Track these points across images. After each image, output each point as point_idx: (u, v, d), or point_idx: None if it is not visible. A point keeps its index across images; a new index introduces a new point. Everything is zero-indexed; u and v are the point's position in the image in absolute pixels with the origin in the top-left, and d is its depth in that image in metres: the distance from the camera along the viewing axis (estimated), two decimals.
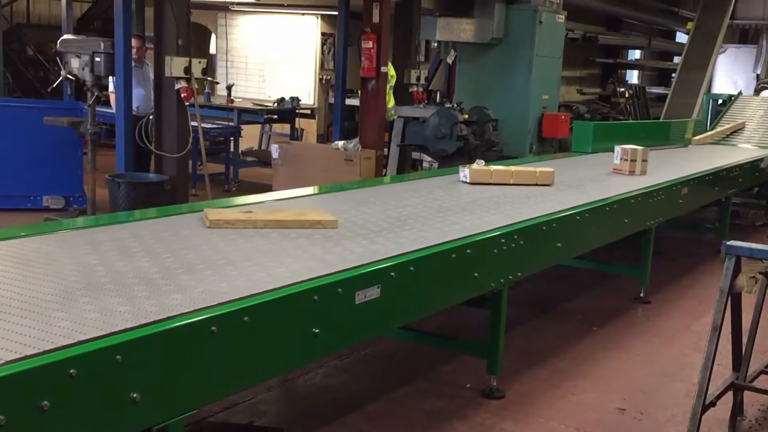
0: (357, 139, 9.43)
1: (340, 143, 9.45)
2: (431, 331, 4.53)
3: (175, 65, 6.77)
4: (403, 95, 10.31)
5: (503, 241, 4.01)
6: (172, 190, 6.91)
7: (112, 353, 2.19)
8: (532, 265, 4.43)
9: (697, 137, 10.00)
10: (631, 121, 12.70)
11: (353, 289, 3.05)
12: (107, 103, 8.11)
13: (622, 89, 14.66)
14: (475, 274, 3.83)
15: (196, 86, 7.03)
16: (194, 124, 9.22)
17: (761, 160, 8.72)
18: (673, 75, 18.55)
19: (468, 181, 5.43)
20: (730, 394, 3.98)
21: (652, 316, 5.86)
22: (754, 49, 18.29)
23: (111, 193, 6.62)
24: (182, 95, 6.87)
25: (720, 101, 12.24)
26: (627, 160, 6.37)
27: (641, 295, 6.20)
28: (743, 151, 9.38)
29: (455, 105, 9.53)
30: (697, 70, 14.65)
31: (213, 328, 2.47)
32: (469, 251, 3.74)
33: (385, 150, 10.33)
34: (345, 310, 3.02)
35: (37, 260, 3.04)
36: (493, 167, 5.59)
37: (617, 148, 6.50)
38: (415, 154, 10.86)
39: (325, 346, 2.97)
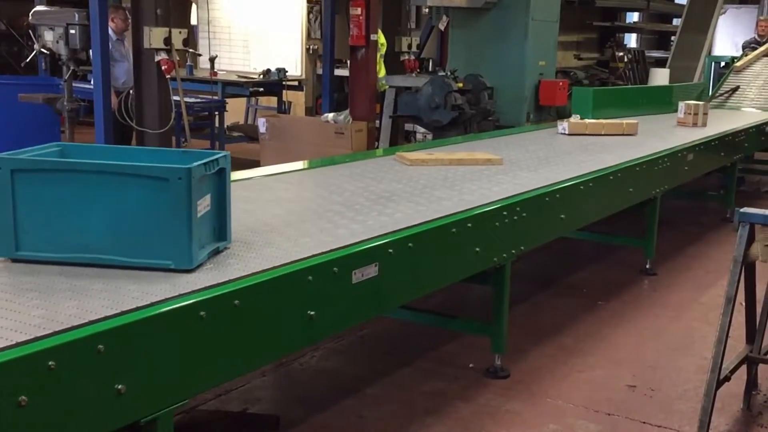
0: (347, 111, 9.29)
1: (330, 116, 9.31)
2: (431, 310, 4.44)
3: (154, 36, 6.61)
4: (394, 64, 10.16)
5: (505, 213, 3.92)
6: None
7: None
8: (535, 238, 4.34)
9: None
10: (632, 86, 12.56)
11: (350, 268, 2.95)
12: (85, 78, 7.94)
13: (621, 53, 14.48)
14: (477, 249, 3.74)
15: (177, 58, 6.87)
16: (177, 98, 9.06)
17: (767, 123, 8.64)
18: (673, 38, 18.39)
19: (567, 132, 6.56)
20: (743, 368, 3.91)
21: (658, 288, 5.80)
22: (755, 9, 18.13)
23: None
24: (162, 68, 6.71)
25: (723, 64, 12.16)
26: (690, 113, 7.61)
27: (647, 266, 6.13)
28: (747, 115, 9.29)
29: (449, 73, 9.39)
30: (698, 32, 14.50)
31: (202, 313, 2.37)
32: (470, 225, 3.64)
33: (377, 122, 10.21)
34: (341, 291, 2.93)
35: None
36: (587, 120, 6.86)
37: (681, 104, 7.80)
38: (409, 126, 10.73)
39: (322, 328, 2.88)
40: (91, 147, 3.05)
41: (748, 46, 12.74)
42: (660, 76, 12.86)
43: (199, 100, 9.93)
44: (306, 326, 2.76)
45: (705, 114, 7.67)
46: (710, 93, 10.86)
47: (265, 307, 2.61)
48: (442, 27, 11.17)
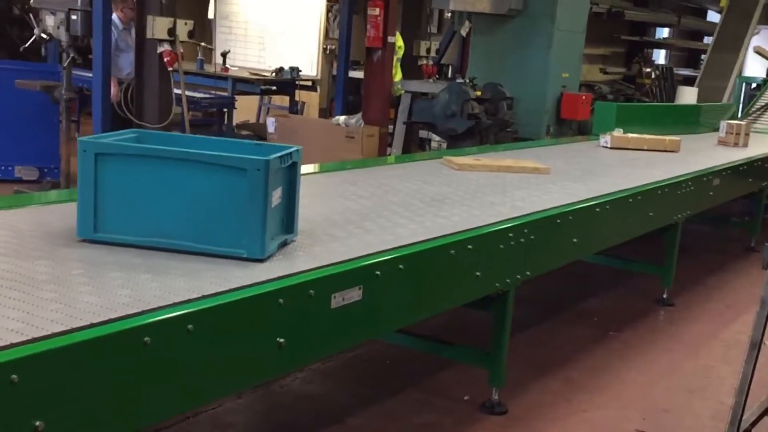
0: (359, 115, 9.00)
1: (342, 118, 9.02)
2: (427, 334, 4.13)
3: (158, 26, 6.36)
4: (411, 69, 9.87)
5: (511, 235, 3.60)
6: None
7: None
8: (543, 263, 4.02)
9: None
10: (657, 103, 12.20)
11: (328, 291, 2.64)
12: (89, 66, 7.69)
13: (649, 69, 14.13)
14: (477, 273, 3.42)
15: (182, 50, 6.61)
16: (178, 91, 8.80)
17: None
18: (703, 56, 17.99)
19: (609, 146, 6.55)
20: (766, 419, 3.57)
21: (675, 320, 5.45)
22: None
23: None
24: (165, 60, 6.45)
25: (754, 85, 11.76)
26: (732, 133, 7.65)
27: (664, 296, 5.78)
28: (723, 150, 8.86)
29: (467, 81, 9.08)
30: (730, 51, 14.09)
31: (146, 339, 2.07)
32: (470, 247, 3.32)
33: (390, 127, 9.93)
34: (317, 316, 2.62)
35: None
36: (630, 135, 6.76)
37: (722, 123, 7.87)
38: (423, 133, 10.45)
39: (292, 358, 2.57)
40: (167, 135, 3.12)
41: None
42: (688, 95, 12.48)
43: (207, 95, 9.66)
44: (274, 355, 2.46)
45: (747, 134, 7.71)
46: (739, 114, 10.48)
47: (224, 332, 2.31)
48: (464, 33, 10.88)
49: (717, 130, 9.35)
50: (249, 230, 2.54)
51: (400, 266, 2.94)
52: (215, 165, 2.52)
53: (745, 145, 7.62)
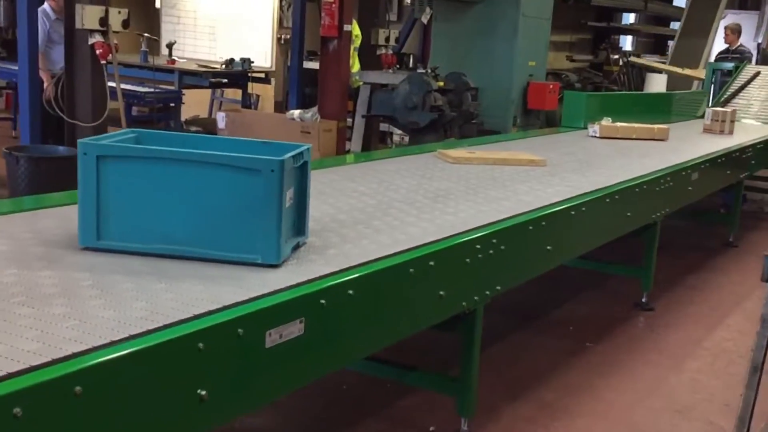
0: (315, 109, 8.57)
1: (296, 113, 8.59)
2: (387, 358, 3.71)
3: (88, 15, 5.86)
4: (370, 59, 9.44)
5: (478, 247, 3.20)
6: None
7: None
8: (514, 275, 3.63)
9: None
10: (628, 92, 11.92)
11: (262, 328, 2.22)
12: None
13: (616, 56, 13.86)
14: (441, 293, 3.02)
15: (116, 41, 6.11)
16: (125, 86, 8.31)
17: None
18: (670, 42, 17.79)
19: (598, 135, 6.50)
20: None
21: (656, 327, 5.11)
22: (755, 15, 17.58)
23: (9, 170, 5.72)
24: (97, 52, 5.95)
25: (725, 71, 11.52)
26: (718, 120, 7.60)
27: (643, 300, 5.43)
28: (753, 128, 8.64)
29: (429, 71, 8.69)
30: (698, 37, 13.89)
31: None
32: (432, 263, 2.92)
33: (349, 120, 9.51)
34: (249, 359, 2.20)
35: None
36: (619, 124, 6.74)
37: (708, 110, 7.85)
38: (384, 126, 10.05)
39: (217, 412, 2.14)
40: (167, 134, 2.96)
41: (719, 57, 12.10)
42: (657, 82, 12.25)
43: (152, 90, 9.15)
44: (194, 410, 2.04)
45: (732, 122, 7.68)
46: (709, 102, 10.22)
47: (124, 390, 1.89)
48: (425, 20, 10.49)
49: (692, 118, 9.16)
50: (263, 234, 2.43)
51: (350, 292, 2.53)
52: (226, 166, 2.40)
53: (731, 132, 7.59)
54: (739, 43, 12.09)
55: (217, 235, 2.44)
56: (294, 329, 2.32)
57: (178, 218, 2.44)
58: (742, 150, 6.86)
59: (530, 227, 3.60)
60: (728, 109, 7.99)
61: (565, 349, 4.62)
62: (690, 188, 5.74)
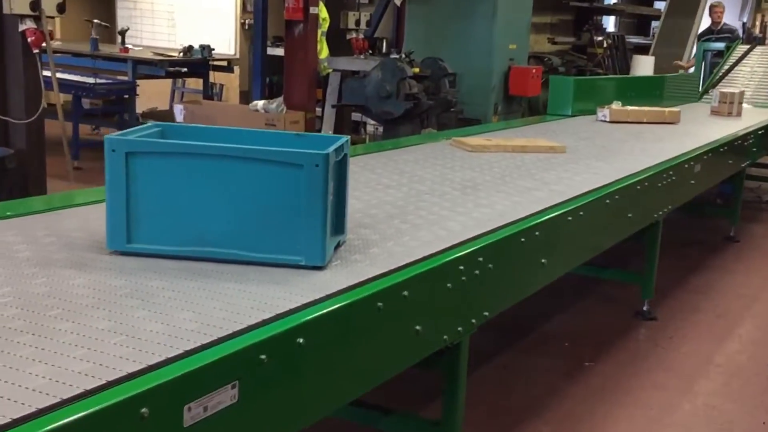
0: (280, 99, 8.01)
1: (260, 104, 8.03)
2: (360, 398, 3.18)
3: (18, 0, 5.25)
4: (339, 44, 8.89)
5: (462, 268, 2.67)
6: (19, 168, 5.43)
7: None
8: (504, 298, 3.11)
9: None
10: (618, 75, 11.43)
11: (179, 403, 1.68)
12: None
13: (600, 38, 13.35)
14: (418, 328, 2.49)
15: (50, 28, 5.51)
16: (72, 77, 7.71)
17: None
18: (654, 22, 17.35)
19: (607, 119, 6.42)
20: None
21: (660, 341, 4.62)
22: None
23: None
24: (29, 39, 5.35)
25: (715, 52, 11.08)
26: (726, 102, 7.49)
27: (644, 308, 4.95)
28: (747, 113, 8.19)
29: (403, 56, 8.13)
30: (685, 16, 13.43)
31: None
32: (406, 294, 2.39)
33: (319, 110, 8.96)
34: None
35: None
36: (629, 107, 6.66)
37: (715, 92, 7.80)
38: (356, 116, 9.50)
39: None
40: (194, 128, 2.79)
41: (704, 37, 11.71)
42: (644, 64, 11.75)
43: (105, 81, 8.54)
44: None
45: (740, 104, 7.59)
46: (700, 86, 9.78)
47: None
48: (398, 2, 9.94)
49: (687, 101, 8.70)
50: (307, 234, 2.28)
51: (300, 340, 1.99)
52: (267, 161, 2.25)
53: (739, 114, 7.49)
54: (723, 22, 11.69)
55: (257, 236, 2.29)
56: (225, 397, 1.78)
57: (214, 218, 2.29)
58: (747, 136, 6.41)
59: (522, 239, 3.08)
60: (736, 90, 7.84)
61: (560, 371, 4.12)
62: (693, 182, 5.25)
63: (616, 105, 6.64)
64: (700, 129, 6.42)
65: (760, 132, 6.99)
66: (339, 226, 2.55)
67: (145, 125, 2.59)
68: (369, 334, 2.30)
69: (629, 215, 4.21)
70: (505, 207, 3.29)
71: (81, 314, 1.91)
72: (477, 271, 2.76)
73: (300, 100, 7.99)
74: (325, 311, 2.06)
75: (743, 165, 6.69)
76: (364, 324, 2.25)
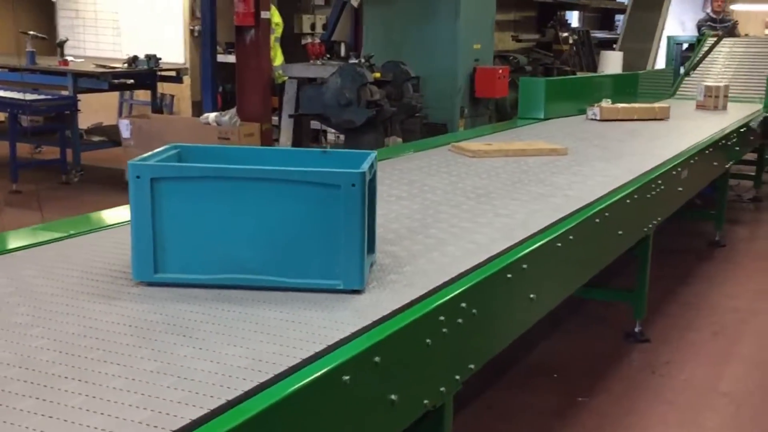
0: (233, 111, 7.54)
1: (211, 116, 7.56)
2: None
3: None
4: (294, 50, 8.45)
5: (442, 319, 2.27)
6: None
7: None
8: (491, 345, 2.71)
9: None
10: (589, 73, 11.13)
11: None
12: None
13: (566, 34, 13.06)
14: (393, 397, 2.08)
15: None
16: (4, 94, 7.22)
17: (753, 120, 7.25)
18: (618, 17, 17.13)
19: (598, 118, 6.39)
20: None
21: (657, 366, 4.25)
22: None
23: None
24: None
25: (686, 46, 10.85)
26: (711, 96, 7.45)
27: (636, 330, 4.59)
28: (706, 114, 7.90)
29: (363, 60, 7.72)
30: (651, 9, 13.19)
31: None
32: (377, 360, 1.97)
33: (276, 119, 8.52)
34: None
35: None
36: (620, 105, 6.64)
37: (701, 86, 7.70)
38: (316, 123, 9.07)
39: None
40: (214, 148, 2.77)
41: (704, 25, 11.56)
42: (612, 60, 11.51)
43: (43, 97, 8.01)
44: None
45: (726, 97, 7.55)
46: (675, 79, 9.51)
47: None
48: (355, 3, 9.53)
49: (662, 97, 8.41)
50: (345, 257, 2.22)
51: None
52: (301, 182, 2.20)
53: (725, 108, 7.50)
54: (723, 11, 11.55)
55: (292, 261, 2.22)
56: None
57: (247, 243, 2.23)
58: (730, 135, 6.12)
59: (509, 275, 2.68)
60: (721, 84, 7.77)
61: (552, 410, 3.73)
62: (680, 188, 4.92)
63: (605, 103, 6.59)
64: (692, 124, 6.40)
65: (742, 129, 6.70)
66: (370, 245, 2.43)
67: (162, 149, 2.47)
68: (332, 416, 1.88)
69: (620, 232, 3.84)
70: (525, 216, 3.21)
71: (124, 355, 1.81)
72: (460, 320, 2.36)
73: (254, 110, 7.55)
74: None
75: (728, 165, 6.38)
76: (328, 402, 1.84)
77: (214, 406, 1.58)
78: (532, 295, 2.91)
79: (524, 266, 2.79)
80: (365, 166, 2.25)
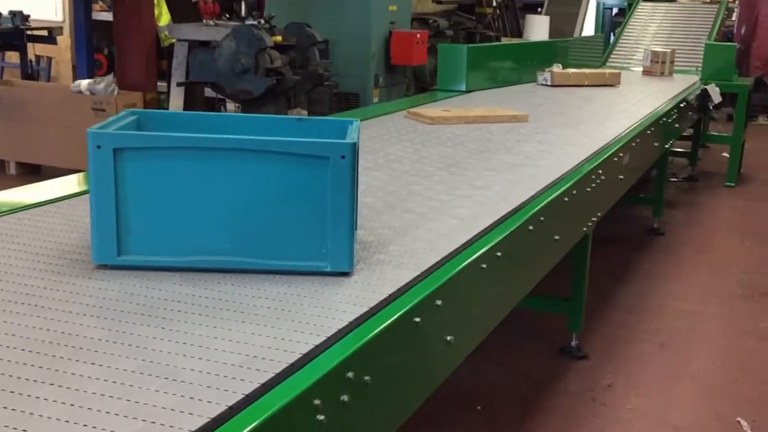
0: (110, 77, 6.66)
1: (84, 83, 6.68)
2: None
3: None
4: (184, 8, 7.57)
5: (318, 404, 1.58)
6: None
7: None
8: (400, 410, 2.03)
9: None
10: (514, 40, 10.52)
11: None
12: None
13: None
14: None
15: None
16: None
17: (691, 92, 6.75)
18: None
19: (549, 83, 6.38)
20: None
21: (598, 391, 3.66)
22: None
23: None
24: None
25: (615, 11, 10.37)
26: (658, 62, 7.50)
27: (572, 344, 4.00)
28: (654, 80, 7.42)
29: (262, 22, 6.91)
30: None
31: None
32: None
33: (164, 89, 7.64)
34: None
35: None
36: (570, 70, 6.69)
37: (647, 51, 7.71)
38: (212, 92, 8.23)
39: None
40: (178, 115, 2.68)
41: None
42: (538, 25, 10.96)
43: None
44: None
45: (672, 62, 7.61)
46: (608, 46, 9.01)
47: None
48: None
49: (594, 65, 7.90)
50: (333, 236, 2.04)
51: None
52: (285, 154, 2.00)
53: (671, 74, 7.56)
54: None
55: (273, 241, 2.05)
56: None
57: (222, 222, 2.03)
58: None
59: (417, 318, 2.01)
60: (667, 49, 7.80)
61: None
62: (621, 177, 4.33)
63: (557, 68, 6.57)
64: (644, 89, 6.47)
65: (682, 105, 6.19)
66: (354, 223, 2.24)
67: (119, 115, 2.31)
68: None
69: (556, 237, 3.20)
70: (503, 188, 3.08)
71: (98, 352, 1.61)
72: (345, 399, 1.68)
73: (136, 77, 6.70)
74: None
75: (668, 145, 5.86)
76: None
77: (215, 414, 1.41)
78: (449, 338, 2.24)
79: (439, 303, 2.12)
80: (354, 136, 2.10)
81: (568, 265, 3.86)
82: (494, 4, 12.35)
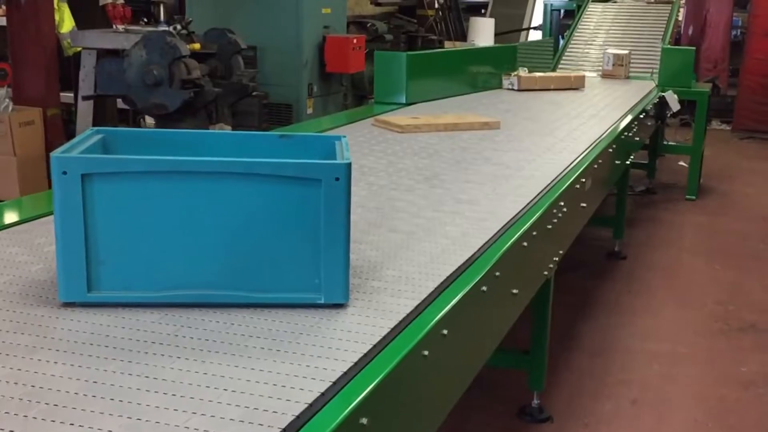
0: (4, 91, 5.97)
1: None
2: None
3: None
4: (91, 13, 6.92)
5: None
6: None
7: None
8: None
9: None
10: (459, 45, 10.03)
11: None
12: None
13: None
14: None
15: None
16: None
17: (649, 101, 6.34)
18: None
19: (516, 88, 6.33)
20: None
21: None
22: None
23: None
24: None
25: (563, 12, 9.97)
26: (620, 65, 7.38)
27: (533, 404, 3.48)
28: (615, 84, 7.03)
29: (178, 27, 6.29)
30: None
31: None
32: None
33: (70, 105, 6.98)
34: None
35: None
36: (537, 74, 6.60)
37: (607, 54, 7.55)
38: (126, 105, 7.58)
39: None
40: (147, 132, 2.43)
41: None
42: (483, 28, 10.50)
43: None
44: None
45: (629, 64, 7.52)
46: (556, 50, 8.58)
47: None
48: None
49: (544, 69, 7.46)
50: (326, 265, 1.93)
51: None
52: (272, 177, 1.90)
53: (627, 76, 7.44)
54: None
55: (262, 272, 1.93)
56: None
57: (204, 252, 1.92)
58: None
59: (360, 420, 1.50)
60: (624, 51, 7.59)
61: None
62: (584, 204, 3.83)
63: (523, 72, 6.51)
64: (610, 93, 6.45)
65: (641, 115, 5.75)
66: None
67: (83, 135, 2.15)
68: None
69: (514, 291, 2.67)
70: (491, 203, 2.97)
71: (76, 410, 1.47)
72: None
73: (34, 91, 6.04)
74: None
75: (628, 162, 5.41)
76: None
77: None
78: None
79: (389, 386, 1.58)
80: (347, 156, 2.00)
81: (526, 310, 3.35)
82: (436, 6, 11.89)
